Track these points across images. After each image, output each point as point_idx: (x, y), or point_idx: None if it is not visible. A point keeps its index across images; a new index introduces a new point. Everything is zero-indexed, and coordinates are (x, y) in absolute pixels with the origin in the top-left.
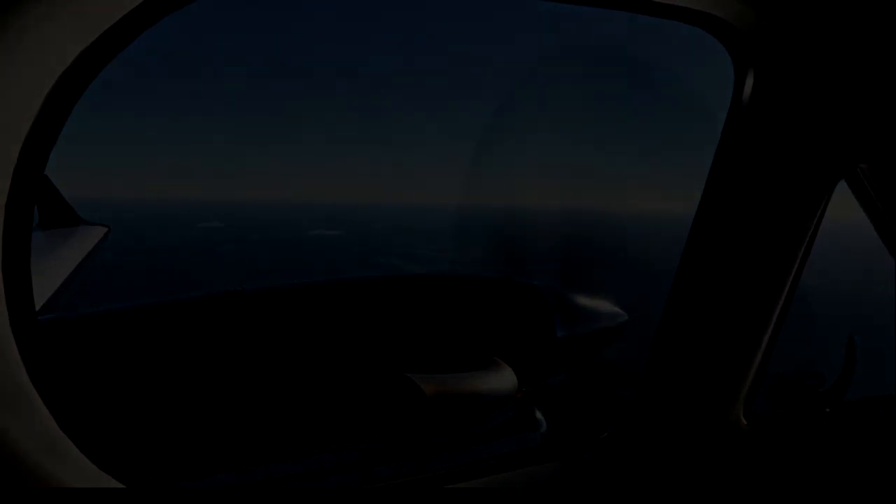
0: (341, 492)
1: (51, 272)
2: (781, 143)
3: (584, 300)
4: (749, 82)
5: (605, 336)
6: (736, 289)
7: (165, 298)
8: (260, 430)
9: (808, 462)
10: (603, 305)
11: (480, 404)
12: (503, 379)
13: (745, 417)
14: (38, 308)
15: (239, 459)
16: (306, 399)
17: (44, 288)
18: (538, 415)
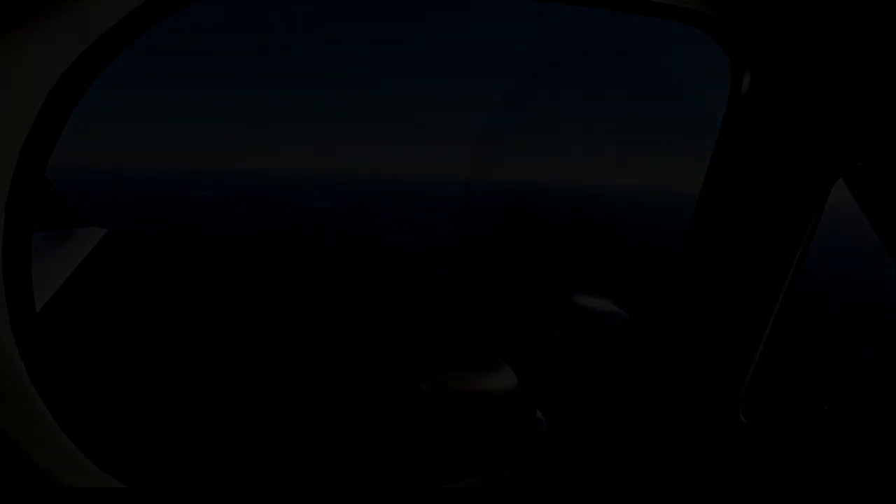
0: (340, 491)
1: (51, 273)
2: (779, 141)
3: (584, 299)
4: (746, 81)
5: (605, 335)
6: (734, 286)
7: (165, 298)
8: (260, 429)
9: (808, 460)
10: (603, 305)
11: (480, 404)
12: (503, 379)
13: (743, 415)
14: (38, 309)
15: (239, 459)
16: (306, 398)
17: (44, 289)
18: (538, 415)
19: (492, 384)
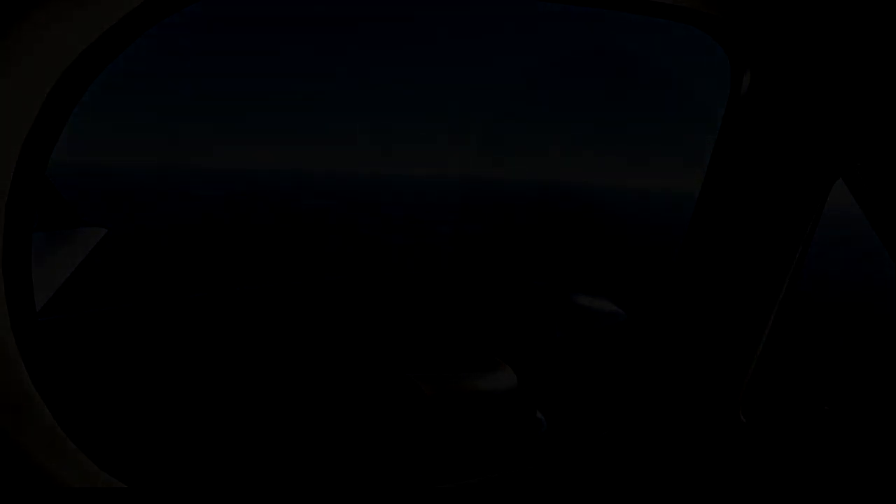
0: (340, 491)
1: (51, 273)
2: (779, 141)
3: (584, 299)
4: (746, 81)
5: (605, 335)
6: (734, 286)
7: (165, 298)
8: (260, 429)
9: (807, 460)
10: (603, 305)
11: (480, 404)
12: (503, 379)
13: (743, 415)
14: (38, 309)
15: (239, 458)
16: (306, 398)
17: (44, 289)
18: (538, 415)
19: (492, 384)
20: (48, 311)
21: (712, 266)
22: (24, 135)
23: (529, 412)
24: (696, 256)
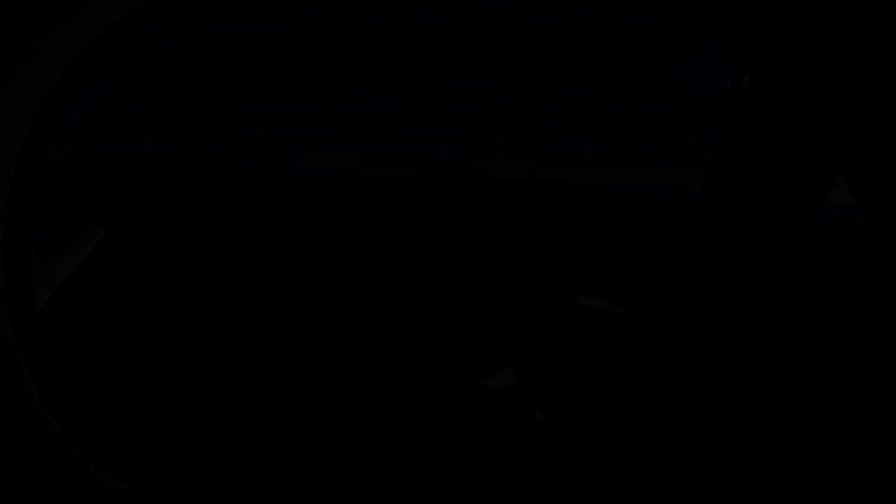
0: (341, 491)
1: (51, 273)
2: (779, 141)
3: (583, 299)
4: (746, 81)
5: (605, 335)
6: (734, 286)
7: (165, 299)
8: (260, 429)
9: (807, 460)
10: (603, 304)
11: (480, 404)
12: (503, 379)
13: (743, 415)
14: (38, 309)
15: (239, 458)
16: (307, 397)
17: (44, 289)
18: (538, 415)
19: (492, 384)
20: (48, 311)
21: (712, 266)
22: (24, 135)
23: (529, 412)
24: (696, 256)
